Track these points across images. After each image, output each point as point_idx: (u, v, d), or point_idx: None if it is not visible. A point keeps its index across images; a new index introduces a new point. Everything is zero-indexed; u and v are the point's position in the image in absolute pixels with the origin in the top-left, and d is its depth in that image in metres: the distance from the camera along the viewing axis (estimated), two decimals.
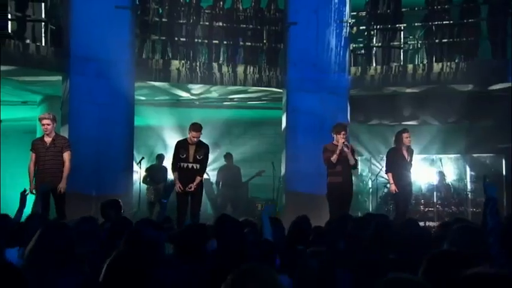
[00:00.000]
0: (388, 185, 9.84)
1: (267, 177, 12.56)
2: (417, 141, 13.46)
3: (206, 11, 11.85)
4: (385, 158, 9.83)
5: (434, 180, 12.78)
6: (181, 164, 8.98)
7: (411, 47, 12.15)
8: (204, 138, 14.16)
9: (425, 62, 11.76)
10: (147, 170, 12.77)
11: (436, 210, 12.01)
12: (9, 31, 10.50)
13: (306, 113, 11.57)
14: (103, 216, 6.34)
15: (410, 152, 9.40)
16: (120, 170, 10.89)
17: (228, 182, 12.65)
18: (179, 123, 13.35)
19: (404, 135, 9.29)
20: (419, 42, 12.00)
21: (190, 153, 8.92)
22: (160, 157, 13.01)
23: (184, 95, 12.87)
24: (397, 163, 9.24)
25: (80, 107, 10.70)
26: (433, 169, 13.20)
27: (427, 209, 11.97)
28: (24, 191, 5.94)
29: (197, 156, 8.92)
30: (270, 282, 1.67)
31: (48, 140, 8.62)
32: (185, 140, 9.21)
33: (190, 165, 8.91)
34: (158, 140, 14.07)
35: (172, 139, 13.76)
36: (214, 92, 12.60)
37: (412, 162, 9.41)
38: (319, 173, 11.62)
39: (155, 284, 2.69)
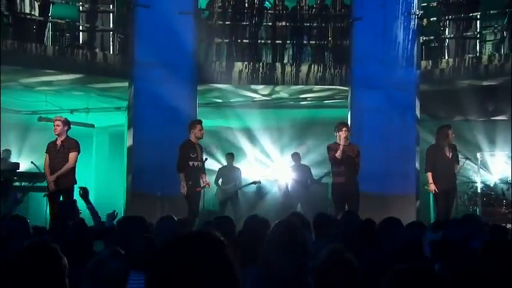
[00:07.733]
0: (426, 186, 9.16)
1: None
2: (506, 138, 12.47)
3: (269, 11, 11.83)
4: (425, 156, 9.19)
5: None
6: (193, 163, 9.08)
7: (487, 37, 11.31)
8: (279, 139, 14.28)
9: (503, 52, 10.89)
10: (218, 170, 12.92)
11: None
12: (80, 41, 11.27)
13: (371, 110, 11.18)
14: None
15: (453, 149, 8.75)
16: None
17: (295, 181, 12.44)
18: (253, 124, 13.45)
19: (450, 131, 8.68)
20: (496, 31, 11.14)
21: (198, 152, 9.05)
22: (231, 156, 13.01)
23: (254, 96, 12.91)
24: (438, 161, 8.65)
25: (144, 111, 11.13)
26: None
27: (508, 210, 11.01)
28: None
29: (202, 156, 9.06)
30: None
31: (59, 142, 8.78)
32: (189, 140, 9.21)
33: (200, 164, 9.05)
34: (234, 141, 14.19)
35: (244, 140, 13.93)
36: (282, 92, 12.53)
37: (458, 159, 8.76)
38: (386, 172, 11.18)
39: None
